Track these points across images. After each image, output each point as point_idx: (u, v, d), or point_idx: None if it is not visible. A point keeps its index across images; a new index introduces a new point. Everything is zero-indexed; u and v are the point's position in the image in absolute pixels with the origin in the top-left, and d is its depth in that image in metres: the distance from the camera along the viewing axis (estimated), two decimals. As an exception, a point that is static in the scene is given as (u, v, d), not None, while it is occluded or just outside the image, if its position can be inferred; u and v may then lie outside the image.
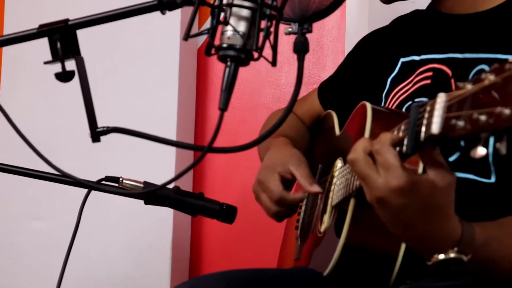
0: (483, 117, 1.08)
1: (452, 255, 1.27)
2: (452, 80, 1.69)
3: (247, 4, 1.20)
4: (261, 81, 2.69)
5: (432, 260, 1.28)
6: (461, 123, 1.12)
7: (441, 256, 1.27)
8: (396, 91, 1.79)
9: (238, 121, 2.72)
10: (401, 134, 1.28)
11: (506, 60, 1.08)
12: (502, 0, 1.71)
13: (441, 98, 1.17)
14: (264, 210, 1.87)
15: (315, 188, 1.75)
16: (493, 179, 1.56)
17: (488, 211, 1.36)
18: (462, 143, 1.49)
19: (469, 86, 1.13)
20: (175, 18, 2.66)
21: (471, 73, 1.65)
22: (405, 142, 1.24)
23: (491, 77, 1.10)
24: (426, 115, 1.20)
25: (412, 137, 1.22)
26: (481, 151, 1.10)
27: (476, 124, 1.09)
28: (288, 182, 1.83)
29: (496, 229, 1.37)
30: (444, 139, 1.17)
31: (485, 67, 1.64)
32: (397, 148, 1.26)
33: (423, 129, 1.19)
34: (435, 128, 1.16)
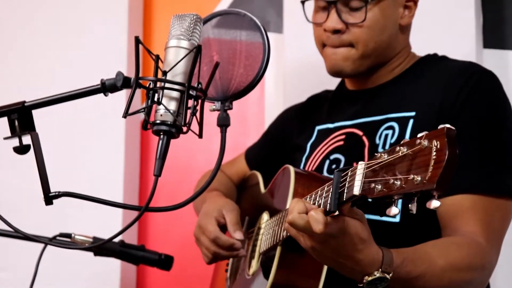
0: (397, 183, 1.10)
1: (378, 274, 1.31)
2: (364, 138, 1.72)
3: (176, 87, 1.21)
4: (195, 147, 2.70)
5: (363, 282, 1.31)
6: (378, 187, 1.14)
7: (370, 277, 1.31)
8: (315, 154, 1.82)
9: (176, 181, 2.70)
10: (324, 194, 1.31)
11: (416, 136, 1.11)
12: (396, 74, 1.78)
13: (361, 165, 1.19)
14: (201, 251, 1.86)
15: (237, 235, 1.76)
16: (398, 219, 1.59)
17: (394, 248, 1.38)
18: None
19: (384, 156, 1.15)
20: (121, 96, 2.65)
21: (380, 130, 1.69)
22: (329, 201, 1.25)
23: (404, 149, 1.12)
24: (348, 178, 1.22)
25: (336, 196, 1.24)
26: (394, 210, 1.13)
27: (392, 188, 1.11)
28: (224, 227, 1.83)
29: (410, 253, 1.40)
30: (363, 199, 1.19)
31: (392, 123, 1.68)
32: (322, 207, 1.29)
33: (346, 190, 1.22)
34: (356, 190, 1.18)
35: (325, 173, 1.76)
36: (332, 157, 1.76)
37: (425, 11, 2.31)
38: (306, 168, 1.82)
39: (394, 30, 1.75)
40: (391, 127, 1.68)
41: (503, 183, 1.58)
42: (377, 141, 1.69)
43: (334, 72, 1.77)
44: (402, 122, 1.66)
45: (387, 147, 1.66)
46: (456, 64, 1.74)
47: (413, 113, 1.66)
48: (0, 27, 2.83)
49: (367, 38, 1.72)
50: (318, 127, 1.87)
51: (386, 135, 1.68)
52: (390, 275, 1.31)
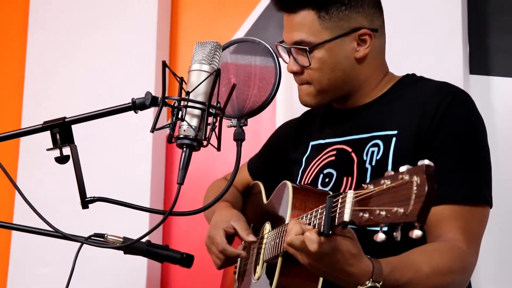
0: (383, 213, 1.11)
1: (369, 284, 1.31)
2: (353, 154, 1.71)
3: (198, 105, 1.22)
4: (214, 159, 2.70)
5: None
6: (366, 215, 1.14)
7: (363, 287, 1.31)
8: (310, 167, 1.81)
9: (196, 189, 2.69)
10: (319, 216, 1.31)
11: (398, 171, 1.11)
12: (378, 95, 1.76)
13: (350, 194, 1.20)
14: (212, 258, 1.86)
15: (251, 238, 1.76)
16: (385, 228, 1.58)
17: (381, 256, 1.38)
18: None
19: (371, 187, 1.15)
20: (149, 113, 2.67)
21: (367, 147, 1.68)
22: (323, 223, 1.26)
23: (388, 182, 1.12)
24: (339, 205, 1.22)
25: (328, 220, 1.25)
26: (381, 236, 1.13)
27: (378, 218, 1.12)
28: (231, 236, 1.83)
29: (397, 262, 1.40)
30: (353, 224, 1.19)
31: (377, 141, 1.68)
32: (317, 228, 1.30)
33: (337, 215, 1.23)
34: (346, 217, 1.19)
35: (319, 187, 1.76)
36: (325, 171, 1.75)
37: (418, 39, 2.33)
38: (303, 181, 1.81)
39: (348, 65, 1.71)
40: (377, 145, 1.67)
41: (479, 192, 1.58)
42: (364, 157, 1.68)
43: (303, 104, 1.80)
44: (386, 140, 1.65)
45: (373, 163, 1.65)
46: (432, 85, 1.73)
47: (395, 132, 1.65)
48: (45, 56, 2.87)
49: (319, 77, 1.71)
50: (312, 143, 1.86)
51: (373, 152, 1.67)
52: (380, 283, 1.32)
